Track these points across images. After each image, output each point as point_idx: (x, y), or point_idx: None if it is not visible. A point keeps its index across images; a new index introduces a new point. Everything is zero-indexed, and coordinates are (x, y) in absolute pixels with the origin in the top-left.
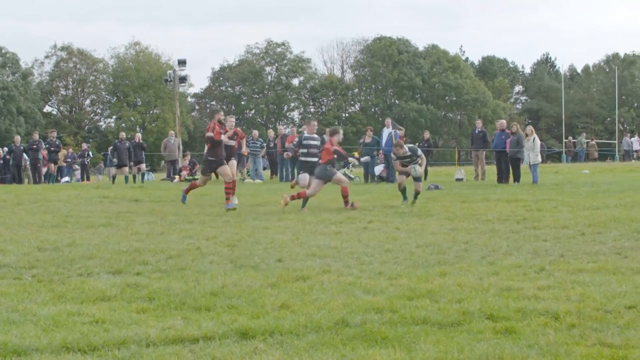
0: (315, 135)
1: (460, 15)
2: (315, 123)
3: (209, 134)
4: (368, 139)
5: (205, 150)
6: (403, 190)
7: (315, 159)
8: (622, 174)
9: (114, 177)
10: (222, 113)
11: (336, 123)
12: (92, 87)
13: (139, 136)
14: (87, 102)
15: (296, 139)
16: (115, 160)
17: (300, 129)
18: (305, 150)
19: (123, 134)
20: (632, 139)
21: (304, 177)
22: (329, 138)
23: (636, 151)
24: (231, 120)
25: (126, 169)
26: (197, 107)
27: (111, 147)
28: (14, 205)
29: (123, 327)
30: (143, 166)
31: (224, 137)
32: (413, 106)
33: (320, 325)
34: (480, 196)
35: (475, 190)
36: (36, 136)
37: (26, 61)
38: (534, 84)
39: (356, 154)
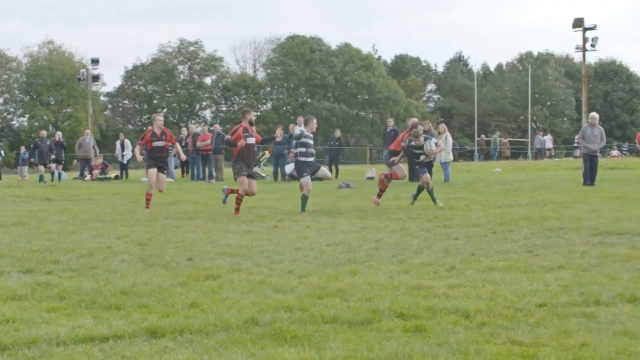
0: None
1: (374, 13)
2: (315, 121)
3: (228, 137)
4: (279, 138)
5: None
6: (431, 191)
7: (312, 159)
8: (534, 172)
9: (41, 177)
10: (253, 113)
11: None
12: (5, 86)
13: (59, 135)
14: (0, 100)
15: (293, 141)
16: (33, 160)
17: (298, 128)
18: (304, 150)
19: (44, 132)
20: (545, 137)
21: (308, 180)
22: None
23: (548, 149)
24: (159, 119)
25: (42, 167)
26: (109, 106)
27: (32, 146)
28: None
29: (33, 326)
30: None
31: (240, 142)
32: (325, 105)
33: (230, 324)
34: (392, 194)
35: (387, 189)
36: None
37: None
38: (446, 83)
39: (267, 153)
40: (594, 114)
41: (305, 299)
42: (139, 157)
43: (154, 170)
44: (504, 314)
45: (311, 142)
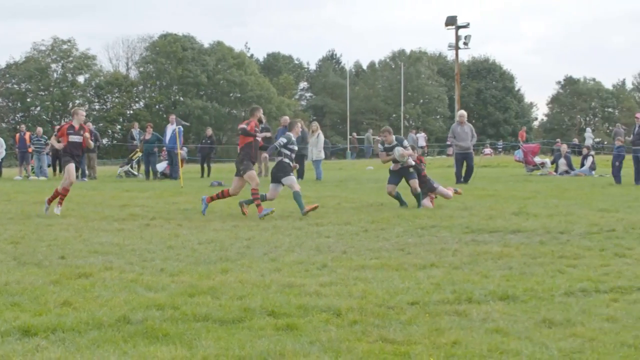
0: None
1: (247, 11)
2: (300, 125)
3: (243, 126)
4: (148, 136)
5: (240, 150)
6: (397, 197)
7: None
8: None
9: None
10: (260, 110)
11: (120, 120)
12: None
13: None
14: None
15: (283, 140)
16: None
17: (283, 137)
18: (288, 153)
19: None
20: (418, 135)
21: (292, 178)
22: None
23: (422, 147)
24: (82, 114)
25: None
26: None
27: None
28: None
29: None
30: None
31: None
32: (198, 103)
33: (102, 322)
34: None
35: (260, 187)
36: None
37: None
38: (319, 81)
39: (139, 152)
40: (462, 112)
41: (177, 297)
42: (57, 145)
43: (72, 165)
44: (376, 312)
45: (296, 147)
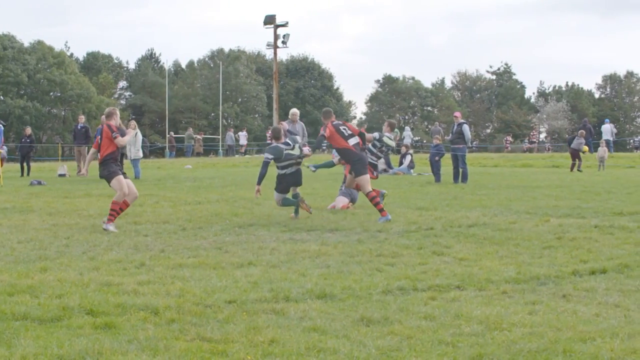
0: None
1: (67, 10)
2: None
3: (323, 133)
4: None
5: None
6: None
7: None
8: (224, 169)
9: None
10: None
11: None
12: None
13: None
14: None
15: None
16: None
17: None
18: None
19: None
20: (240, 133)
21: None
22: None
23: (242, 145)
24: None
25: None
26: None
27: None
28: None
29: None
30: None
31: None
32: (19, 102)
33: None
34: (83, 192)
35: (78, 186)
36: None
37: None
38: (138, 80)
39: None
40: (295, 110)
41: None
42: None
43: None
44: (194, 310)
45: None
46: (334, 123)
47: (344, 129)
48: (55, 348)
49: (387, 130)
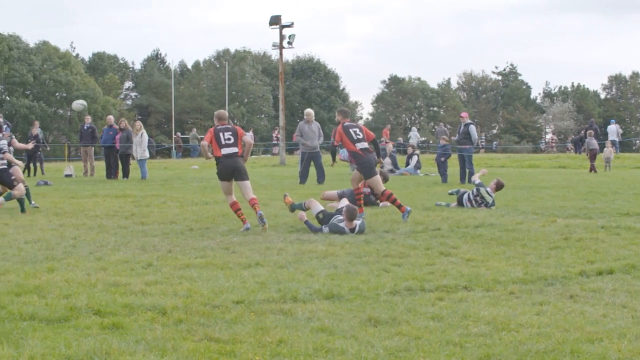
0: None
1: (72, 11)
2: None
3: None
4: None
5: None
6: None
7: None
8: None
9: None
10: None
11: None
12: None
13: None
14: None
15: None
16: None
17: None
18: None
19: None
20: (247, 133)
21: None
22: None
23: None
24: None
25: None
26: None
27: None
28: None
29: None
30: None
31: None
32: (24, 103)
33: None
34: (89, 192)
35: (85, 186)
36: None
37: None
38: (144, 80)
39: None
40: (310, 111)
41: (3, 297)
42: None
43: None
44: (201, 310)
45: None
46: (345, 125)
47: (354, 131)
48: (62, 348)
49: None
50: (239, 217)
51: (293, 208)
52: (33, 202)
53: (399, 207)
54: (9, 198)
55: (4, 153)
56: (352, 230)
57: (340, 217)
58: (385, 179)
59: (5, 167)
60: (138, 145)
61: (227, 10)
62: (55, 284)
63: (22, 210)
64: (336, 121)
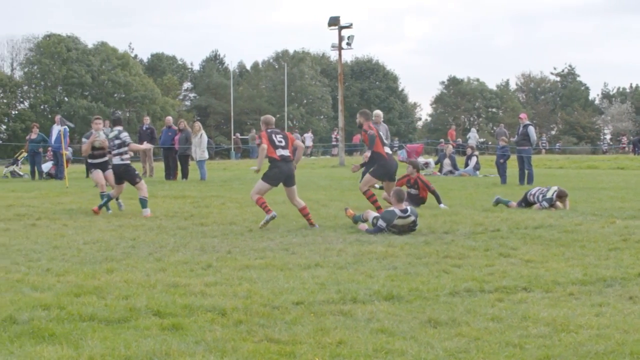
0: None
1: (130, 12)
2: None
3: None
4: (34, 135)
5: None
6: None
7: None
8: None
9: None
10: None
11: (5, 120)
12: None
13: None
14: None
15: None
16: None
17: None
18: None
19: None
20: (305, 135)
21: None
22: None
23: (308, 147)
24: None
25: None
26: None
27: None
28: None
29: None
30: None
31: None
32: (83, 103)
33: None
34: (148, 193)
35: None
36: None
37: None
38: (202, 81)
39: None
40: (379, 112)
41: (63, 297)
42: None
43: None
44: (261, 311)
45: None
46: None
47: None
48: (122, 349)
49: None
50: (264, 209)
51: (355, 220)
52: (121, 204)
53: (378, 208)
54: (144, 205)
55: (127, 145)
56: (404, 212)
57: (390, 208)
58: (417, 168)
59: (129, 162)
60: (197, 146)
61: (285, 11)
62: (114, 285)
63: (107, 208)
64: (357, 124)
